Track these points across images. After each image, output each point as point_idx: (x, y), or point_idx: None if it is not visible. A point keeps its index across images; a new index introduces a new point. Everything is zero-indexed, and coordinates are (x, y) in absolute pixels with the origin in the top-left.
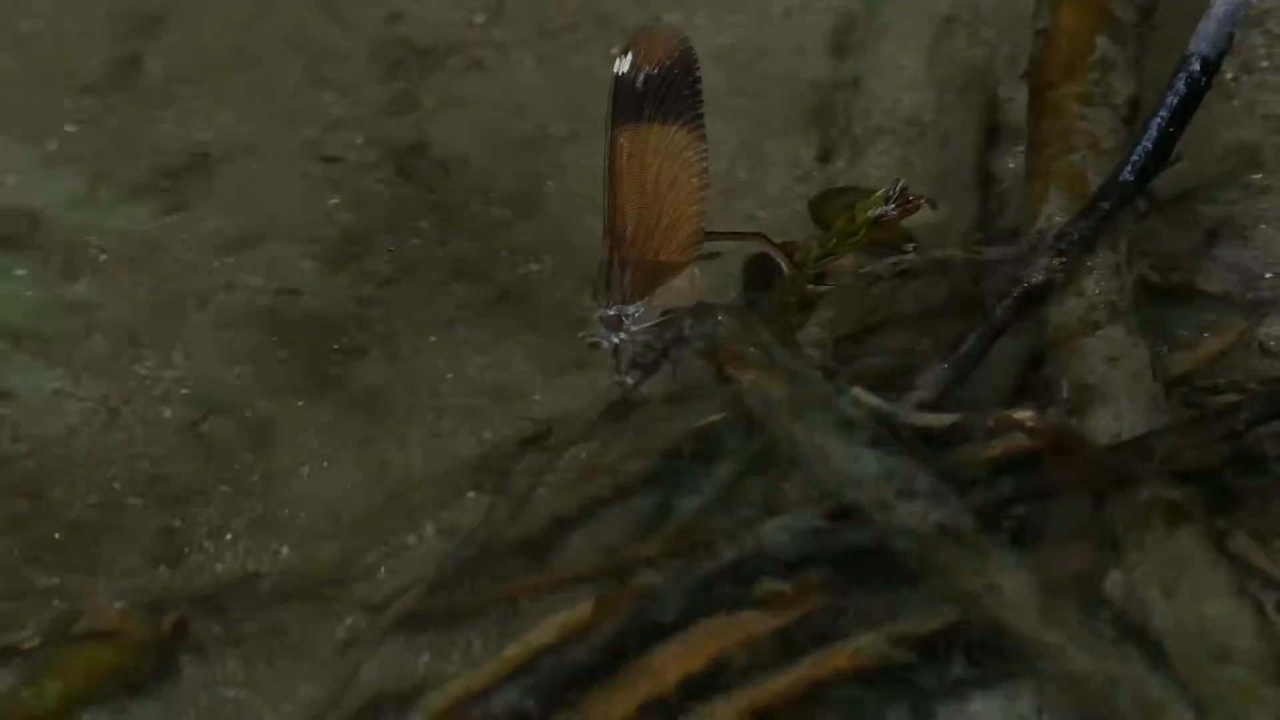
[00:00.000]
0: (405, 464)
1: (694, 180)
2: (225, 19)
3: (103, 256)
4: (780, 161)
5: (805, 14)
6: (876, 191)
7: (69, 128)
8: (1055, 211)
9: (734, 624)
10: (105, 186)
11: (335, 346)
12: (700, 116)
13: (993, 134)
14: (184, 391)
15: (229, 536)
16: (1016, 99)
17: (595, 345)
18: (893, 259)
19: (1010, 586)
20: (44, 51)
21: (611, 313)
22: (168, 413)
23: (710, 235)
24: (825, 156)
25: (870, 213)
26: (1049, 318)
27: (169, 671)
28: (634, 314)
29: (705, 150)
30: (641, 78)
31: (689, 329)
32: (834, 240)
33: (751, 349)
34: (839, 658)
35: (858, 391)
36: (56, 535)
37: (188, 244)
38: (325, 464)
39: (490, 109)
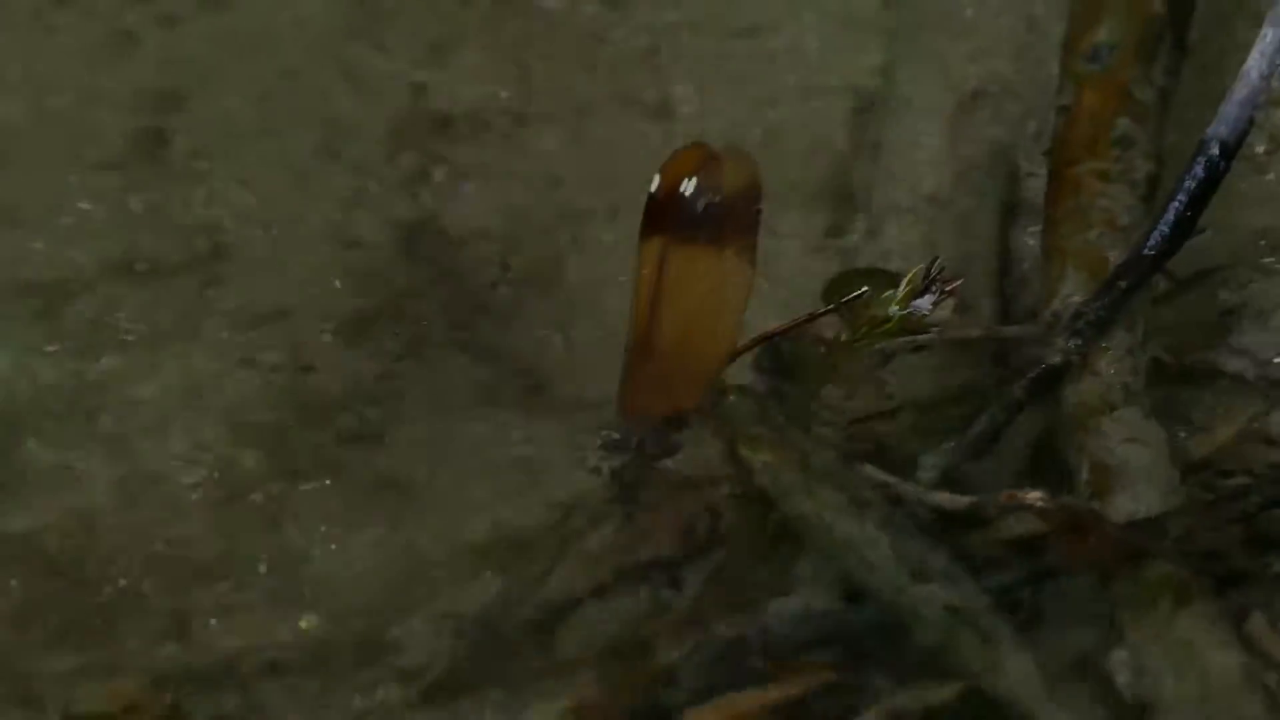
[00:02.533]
0: (420, 546)
1: (734, 309)
2: (248, 92)
3: (127, 338)
4: (794, 238)
5: (823, 91)
6: (895, 273)
7: (85, 205)
8: (1072, 291)
9: (743, 700)
10: (127, 263)
11: (349, 427)
12: (754, 246)
13: (1013, 211)
14: (202, 473)
15: (243, 616)
16: (1038, 176)
17: (597, 471)
18: (910, 338)
19: (1015, 667)
20: (68, 125)
21: (618, 437)
22: (185, 494)
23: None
24: (839, 233)
25: (902, 304)
26: (1065, 398)
27: None
28: (639, 441)
29: (750, 281)
30: (703, 202)
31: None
32: (864, 328)
33: (765, 430)
34: None
35: (870, 470)
36: (88, 618)
37: (208, 321)
38: (337, 546)
39: (513, 183)
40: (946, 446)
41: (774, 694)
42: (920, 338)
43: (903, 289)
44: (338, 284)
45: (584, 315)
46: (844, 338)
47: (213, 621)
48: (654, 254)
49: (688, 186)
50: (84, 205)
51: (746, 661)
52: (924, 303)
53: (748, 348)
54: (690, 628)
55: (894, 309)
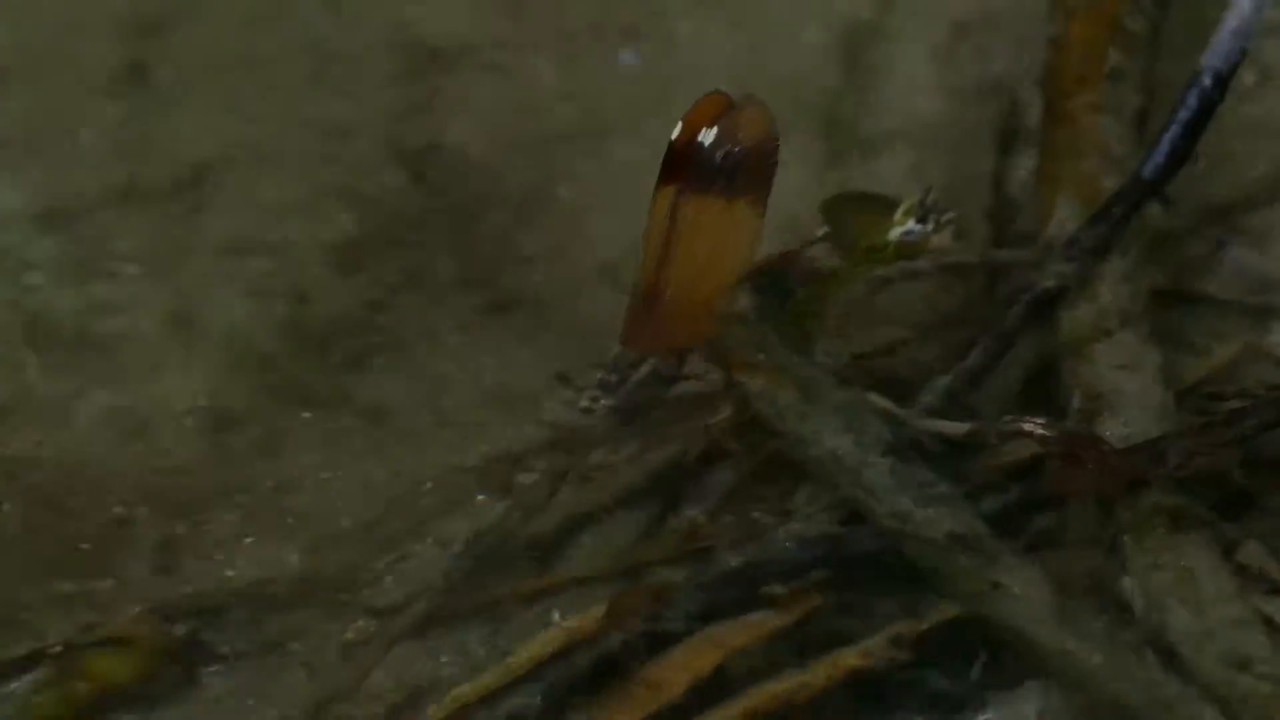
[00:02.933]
0: (413, 471)
1: (742, 257)
2: (232, 20)
3: (118, 268)
4: (789, 164)
5: (814, 21)
6: (892, 198)
7: (72, 134)
8: (1067, 218)
9: (741, 627)
10: (117, 193)
11: (343, 354)
12: (766, 197)
13: (1008, 140)
14: (198, 403)
15: (239, 545)
16: (1033, 106)
17: (589, 411)
18: (906, 265)
19: (1021, 589)
20: (51, 56)
21: (614, 379)
22: (182, 422)
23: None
24: (835, 159)
25: (898, 231)
26: (1061, 324)
27: (189, 679)
28: (631, 384)
29: (759, 235)
30: (721, 153)
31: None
32: (859, 256)
33: (761, 355)
34: (846, 660)
35: (871, 397)
36: (83, 546)
37: (200, 250)
38: (332, 473)
39: (504, 111)
40: (946, 374)
41: (772, 621)
42: (916, 264)
43: (898, 217)
44: (331, 213)
45: (574, 241)
46: (839, 265)
47: (205, 552)
48: (668, 201)
49: (706, 136)
50: (71, 135)
51: (745, 585)
52: (916, 230)
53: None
54: (690, 552)
55: (893, 233)
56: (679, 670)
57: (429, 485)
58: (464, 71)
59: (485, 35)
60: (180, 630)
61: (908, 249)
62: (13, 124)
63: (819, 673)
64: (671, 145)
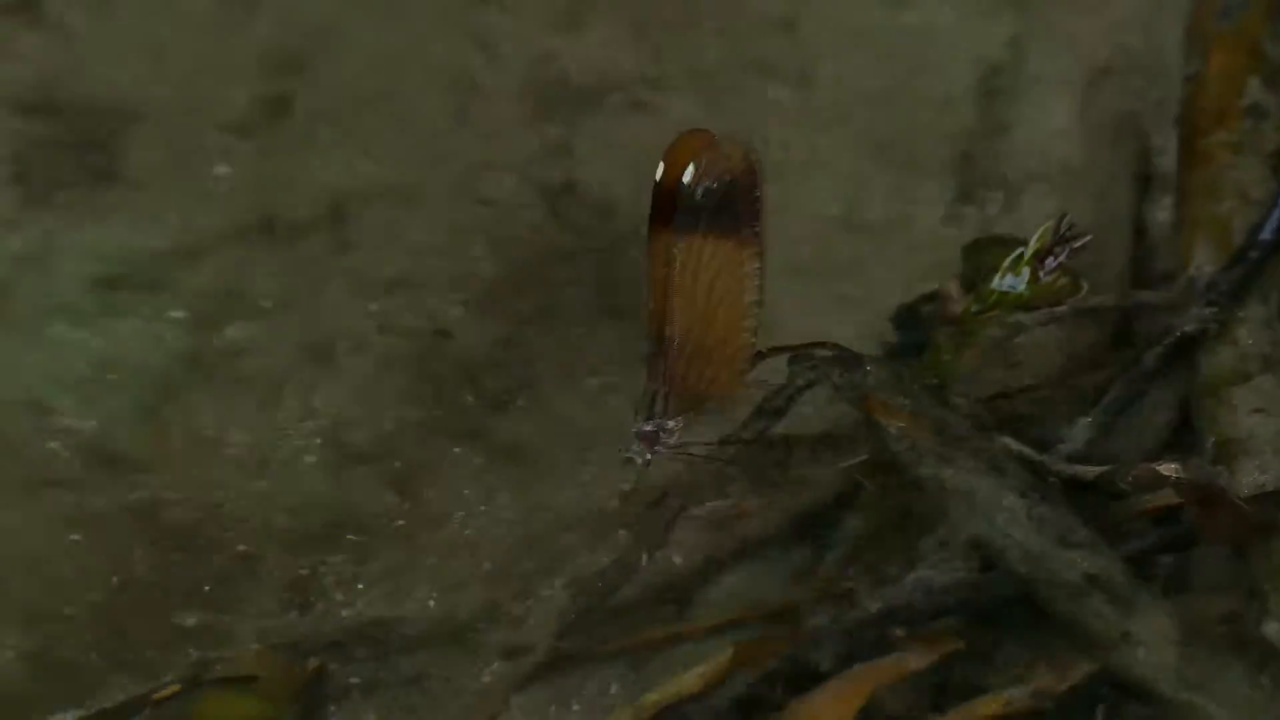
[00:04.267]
0: (550, 510)
1: (748, 296)
2: (374, 56)
3: (256, 304)
4: (928, 206)
5: (954, 63)
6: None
7: (212, 170)
8: (1204, 261)
9: (879, 670)
10: (255, 229)
11: (480, 392)
12: (759, 232)
13: (1146, 182)
14: (332, 439)
15: (368, 582)
16: (1170, 147)
17: (630, 461)
18: (1044, 311)
19: (1149, 638)
20: (193, 90)
21: (649, 429)
22: (313, 459)
23: (764, 354)
24: (972, 202)
25: (1029, 263)
26: (1199, 367)
27: (313, 716)
28: (672, 430)
29: (760, 267)
30: (702, 190)
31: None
32: (994, 295)
33: (900, 398)
34: (986, 709)
35: (1007, 440)
36: (216, 583)
37: (337, 287)
38: (472, 510)
39: (643, 150)
40: (1085, 418)
41: (911, 663)
42: (1055, 310)
43: (1032, 245)
44: (471, 249)
45: None
46: (972, 308)
47: (334, 589)
48: (661, 248)
49: (688, 174)
50: (210, 172)
51: (881, 628)
52: (1048, 265)
53: (772, 353)
54: (827, 597)
55: (1023, 269)
56: (822, 713)
57: (568, 524)
58: (604, 109)
59: (625, 73)
60: (305, 667)
61: (1043, 293)
62: (153, 161)
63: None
64: (656, 186)
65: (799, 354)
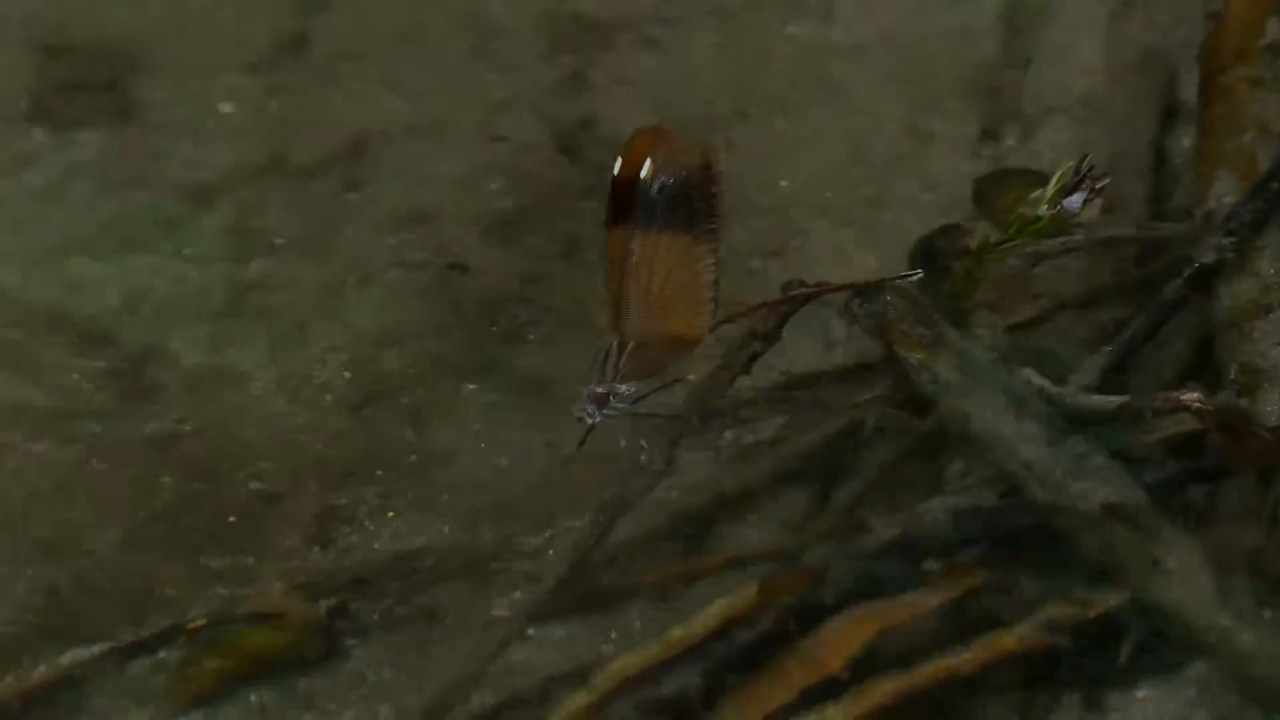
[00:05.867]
0: (567, 445)
1: (704, 291)
2: None
3: (273, 241)
4: (946, 141)
5: None
6: (1046, 174)
7: (226, 107)
8: (1225, 192)
9: (897, 605)
10: (271, 166)
11: (497, 326)
12: (716, 229)
13: (1168, 116)
14: (348, 374)
15: (389, 517)
16: (1193, 82)
17: (580, 420)
18: (1061, 239)
19: (1179, 565)
20: (210, 25)
21: (601, 390)
22: (333, 395)
23: (723, 321)
24: (992, 136)
25: (1051, 201)
26: (1219, 299)
27: (334, 652)
28: (624, 394)
29: (716, 263)
30: (658, 186)
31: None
32: (1013, 228)
33: (921, 329)
34: (1004, 642)
35: (1027, 372)
36: (231, 519)
37: (355, 223)
38: (487, 445)
39: (661, 86)
40: (1105, 348)
41: (928, 600)
42: (1072, 238)
43: (1052, 186)
44: (488, 185)
45: (732, 218)
46: (992, 239)
47: (355, 524)
48: (619, 240)
49: (646, 170)
50: (226, 108)
51: (900, 562)
52: (1073, 201)
53: (729, 319)
54: (845, 528)
55: (1043, 207)
56: (835, 646)
57: (583, 459)
58: (621, 46)
59: (643, 9)
60: (327, 603)
61: (1062, 221)
62: (170, 100)
63: (976, 653)
64: (612, 182)
65: (789, 283)
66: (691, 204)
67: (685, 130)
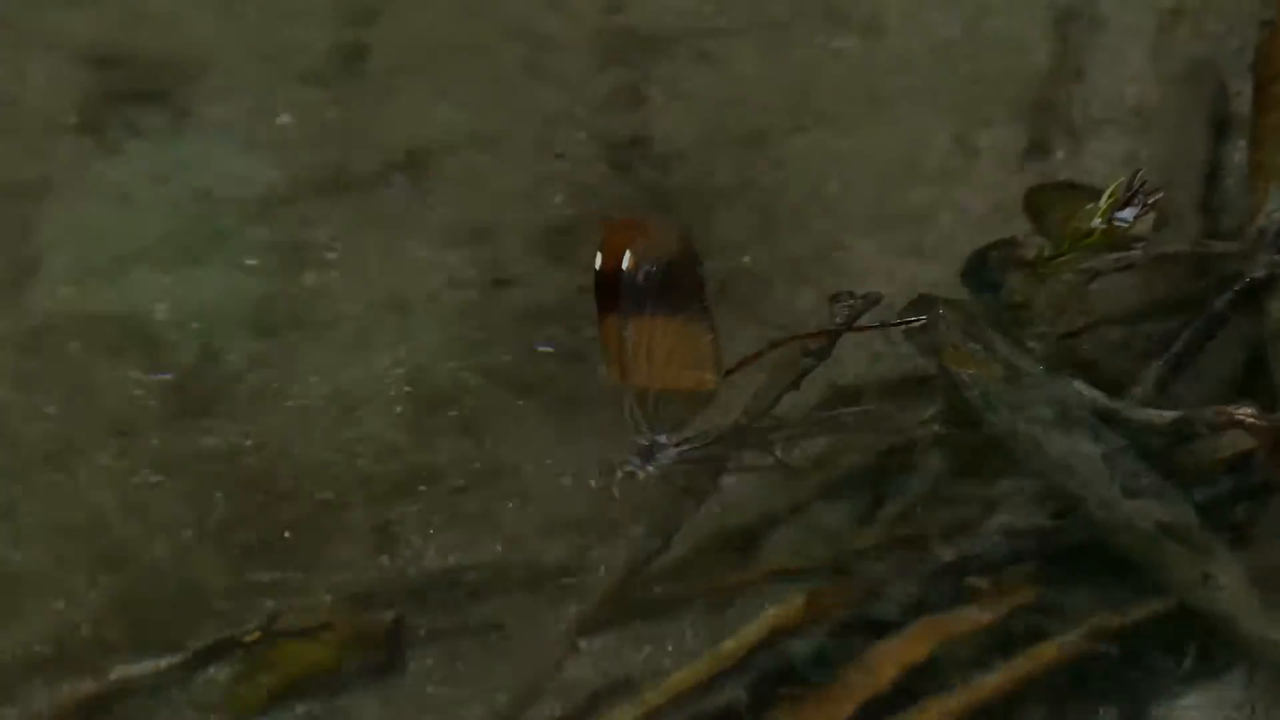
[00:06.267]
0: (626, 459)
1: (707, 357)
2: (446, 7)
3: (330, 254)
4: (995, 154)
5: (1025, 7)
6: (1096, 188)
7: (284, 118)
8: (1277, 207)
9: (950, 621)
10: (327, 179)
11: (555, 340)
12: (706, 308)
13: (1221, 127)
14: (408, 389)
15: (443, 531)
16: (1245, 92)
17: (632, 475)
18: (1116, 255)
19: (1230, 580)
20: (265, 37)
21: (644, 443)
22: (386, 409)
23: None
24: (1041, 149)
25: (1104, 216)
26: (1270, 313)
27: (388, 666)
28: (665, 443)
29: (714, 338)
30: (642, 274)
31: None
32: (1067, 242)
33: (973, 343)
34: (1047, 653)
35: (1079, 386)
36: (286, 534)
37: (411, 236)
38: (542, 459)
39: (712, 100)
40: (1157, 363)
41: (982, 616)
42: (1127, 254)
43: (1105, 200)
44: (544, 200)
45: (779, 230)
46: (1046, 253)
47: (409, 537)
48: (612, 329)
49: (626, 260)
50: (284, 120)
51: (954, 579)
52: (1126, 214)
53: (738, 368)
54: (899, 544)
55: (1097, 220)
56: (888, 662)
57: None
58: (673, 60)
59: (694, 23)
60: (382, 616)
61: (1115, 237)
62: (225, 112)
63: (1021, 667)
64: (597, 275)
65: (837, 295)
66: (679, 287)
67: (659, 218)
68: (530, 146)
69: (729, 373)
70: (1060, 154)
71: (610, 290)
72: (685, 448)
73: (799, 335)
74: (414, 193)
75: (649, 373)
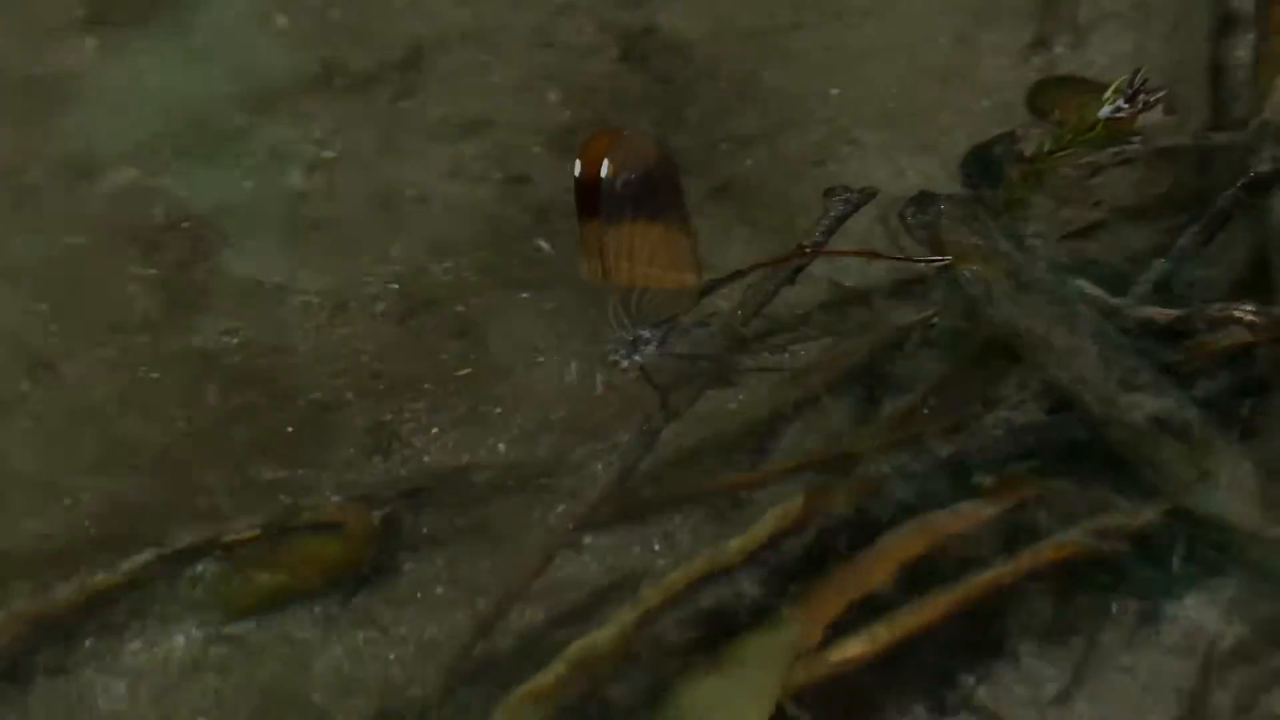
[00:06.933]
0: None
1: (687, 260)
2: None
3: (325, 152)
4: (998, 49)
5: None
6: (1100, 82)
7: (282, 20)
8: None
9: (950, 518)
10: (324, 76)
11: (557, 236)
12: (685, 215)
13: (1228, 21)
14: (396, 286)
15: (442, 430)
16: None
17: (616, 364)
18: (1116, 149)
19: (1229, 477)
20: None
21: (628, 337)
22: (385, 307)
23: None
24: (1044, 44)
25: (1107, 109)
26: (1273, 208)
27: (387, 565)
28: (651, 336)
29: (693, 245)
30: (621, 182)
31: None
32: (1068, 136)
33: (974, 238)
34: (1048, 551)
35: (1081, 283)
36: (288, 430)
37: (409, 133)
38: (542, 359)
39: None
40: (1160, 260)
41: (981, 512)
42: (1128, 147)
43: (1109, 95)
44: (545, 95)
45: (786, 126)
46: (1048, 147)
47: (409, 437)
48: (593, 234)
49: (604, 168)
50: (280, 19)
51: (951, 475)
52: (1128, 109)
53: (725, 281)
54: (899, 441)
55: (1102, 111)
56: (886, 559)
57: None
58: None
59: None
60: (383, 514)
61: (1117, 129)
62: (223, 12)
63: (1021, 563)
64: (576, 182)
65: (831, 189)
66: (658, 194)
67: (636, 129)
68: (532, 41)
69: (713, 287)
70: (1062, 49)
71: (590, 197)
72: (670, 340)
73: (779, 258)
74: (412, 89)
75: (630, 273)
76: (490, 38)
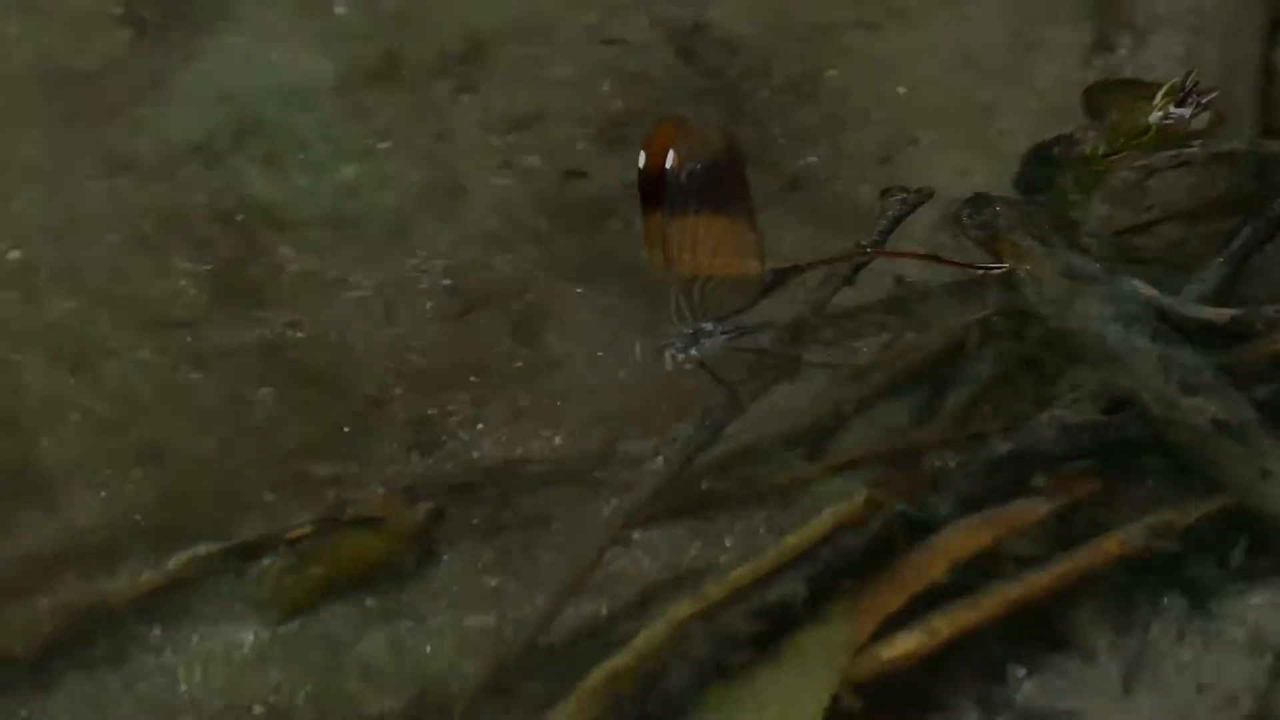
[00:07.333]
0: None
1: (753, 257)
2: None
3: (381, 144)
4: (1056, 50)
5: None
6: (1156, 85)
7: (340, 8)
8: None
9: (1008, 514)
10: (380, 69)
11: (610, 231)
12: (750, 208)
13: (1277, 27)
14: (457, 280)
15: (494, 424)
16: None
17: (674, 357)
18: (1172, 152)
19: None
20: None
21: (688, 330)
22: (440, 301)
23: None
24: (1105, 46)
25: (1159, 112)
26: None
27: (430, 558)
28: (712, 331)
29: (758, 238)
30: (686, 173)
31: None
32: (1122, 138)
33: (1030, 240)
34: (1107, 547)
35: (1137, 283)
36: (336, 426)
37: (465, 126)
38: (595, 353)
39: None
40: (1215, 261)
41: (1043, 508)
42: (1184, 151)
43: (1159, 98)
44: (601, 89)
45: (842, 123)
46: (1102, 150)
47: (460, 431)
48: (657, 225)
49: (669, 159)
50: (339, 10)
51: (1012, 473)
52: (1181, 113)
53: (788, 275)
54: (958, 439)
55: (1154, 117)
56: (943, 555)
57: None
58: None
59: None
60: (427, 508)
61: (1169, 132)
62: (278, 2)
63: (1080, 560)
64: (640, 173)
65: (888, 189)
66: (723, 186)
67: (704, 119)
68: (588, 36)
69: (776, 281)
70: (1123, 51)
71: (654, 188)
72: (732, 334)
73: (831, 258)
74: (467, 82)
75: (693, 266)
76: (546, 32)
